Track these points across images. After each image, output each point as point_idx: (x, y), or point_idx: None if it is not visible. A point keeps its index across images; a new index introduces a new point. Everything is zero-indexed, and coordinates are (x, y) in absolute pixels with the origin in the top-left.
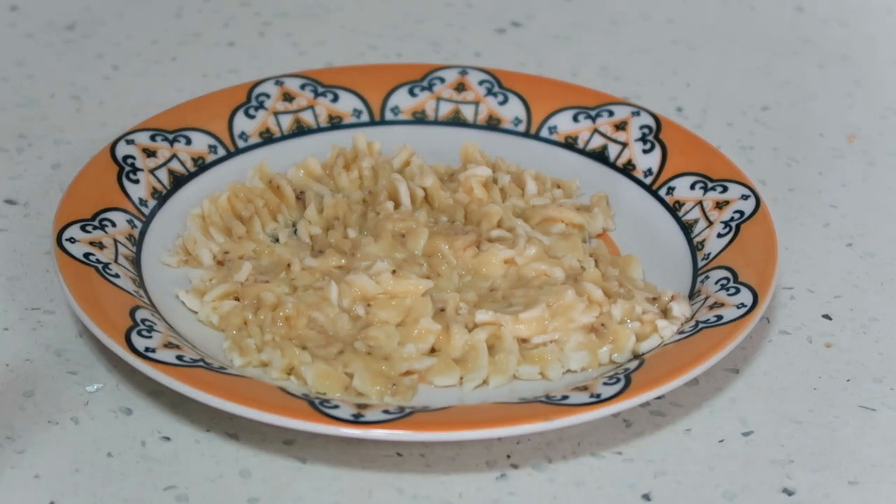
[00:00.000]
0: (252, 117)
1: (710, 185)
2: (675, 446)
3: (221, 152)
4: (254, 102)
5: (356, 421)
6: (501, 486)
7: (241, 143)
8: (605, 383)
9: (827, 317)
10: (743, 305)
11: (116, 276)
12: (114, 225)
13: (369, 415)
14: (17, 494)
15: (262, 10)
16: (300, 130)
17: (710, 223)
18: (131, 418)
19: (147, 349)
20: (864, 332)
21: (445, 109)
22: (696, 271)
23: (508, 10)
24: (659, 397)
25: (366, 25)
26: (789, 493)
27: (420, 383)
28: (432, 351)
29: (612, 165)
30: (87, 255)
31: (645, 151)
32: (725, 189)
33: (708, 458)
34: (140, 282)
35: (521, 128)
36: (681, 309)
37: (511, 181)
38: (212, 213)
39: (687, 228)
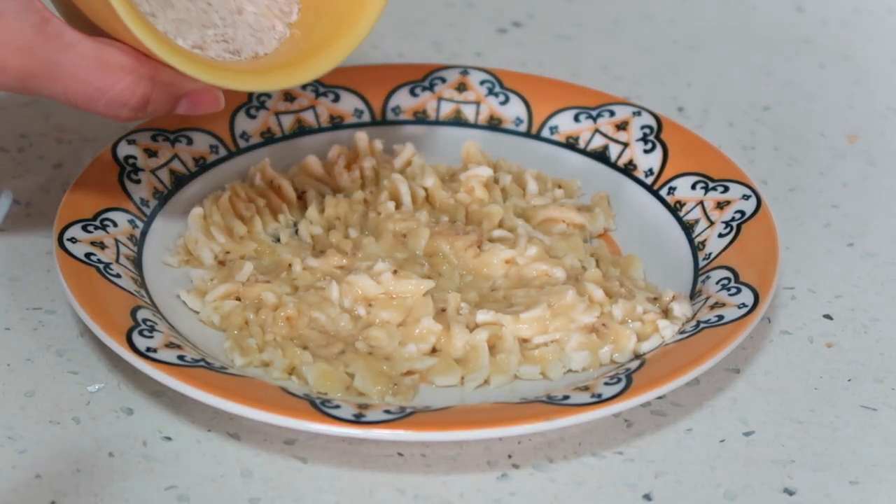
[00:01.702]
0: (253, 117)
1: (711, 185)
2: (676, 446)
3: (223, 152)
4: (255, 102)
5: (357, 421)
6: (502, 485)
7: (242, 143)
8: (605, 383)
9: (828, 317)
10: (744, 305)
11: (117, 275)
12: (115, 225)
13: (370, 415)
14: (18, 494)
15: None
16: (301, 130)
17: (711, 223)
18: (132, 418)
19: (148, 349)
20: (865, 332)
21: (446, 109)
22: (696, 271)
23: (509, 10)
24: (660, 397)
25: None
26: (790, 492)
27: (421, 383)
28: (433, 351)
29: (614, 165)
30: (88, 254)
31: (646, 151)
32: (726, 189)
33: (709, 457)
34: (141, 282)
35: (523, 128)
36: (682, 309)
37: (512, 181)
38: (213, 213)
39: (688, 228)
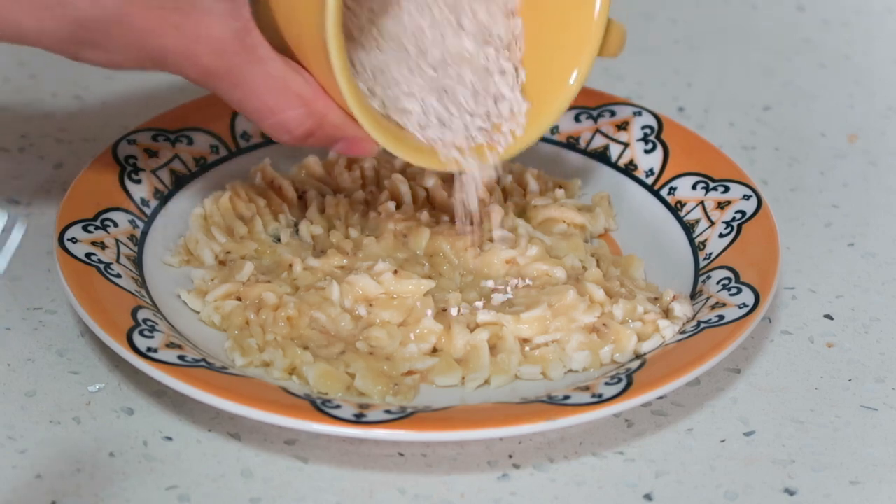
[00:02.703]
0: None
1: (711, 185)
2: (677, 446)
3: (223, 152)
4: None
5: (358, 421)
6: (503, 485)
7: (242, 143)
8: (606, 383)
9: (828, 317)
10: (744, 305)
11: (118, 275)
12: (115, 225)
13: (371, 415)
14: (18, 494)
15: None
16: None
17: (712, 223)
18: (133, 418)
19: (149, 349)
20: (866, 332)
21: None
22: (697, 271)
23: None
24: (660, 397)
25: None
26: (791, 492)
27: (422, 383)
28: (434, 351)
29: (614, 165)
30: (88, 255)
31: (647, 151)
32: (727, 189)
33: (709, 457)
34: (142, 282)
35: None
36: (682, 309)
37: (513, 181)
38: (213, 213)
39: (689, 228)
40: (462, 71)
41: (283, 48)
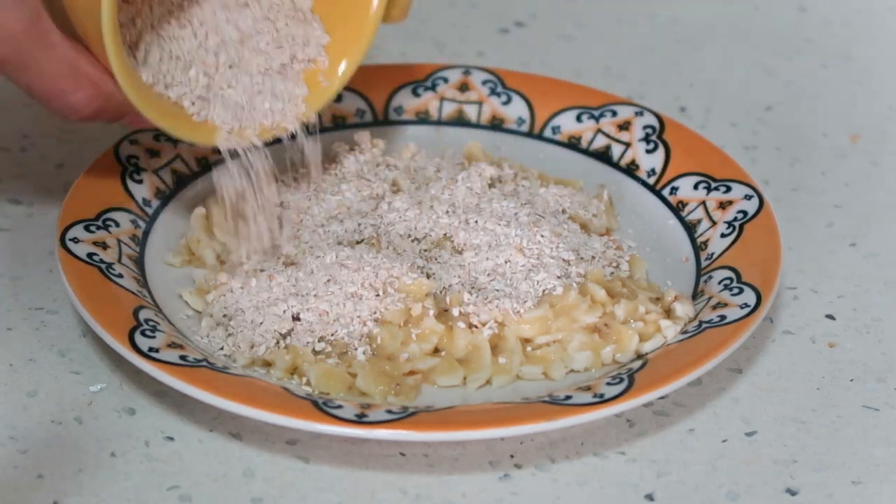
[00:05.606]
0: None
1: (713, 185)
2: (679, 446)
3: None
4: None
5: (359, 421)
6: (504, 485)
7: None
8: (608, 383)
9: (830, 317)
10: (746, 305)
11: (120, 276)
12: (117, 225)
13: (373, 415)
14: (20, 494)
15: None
16: (303, 130)
17: (714, 223)
18: (134, 418)
19: (150, 349)
20: (868, 332)
21: (449, 109)
22: (699, 271)
23: (512, 10)
24: (662, 397)
25: None
26: (792, 493)
27: (423, 383)
28: (436, 351)
29: (616, 165)
30: (90, 255)
31: (648, 151)
32: (729, 189)
33: (711, 458)
34: (143, 282)
35: (525, 128)
36: (684, 309)
37: None
38: (215, 212)
39: (690, 228)
40: (243, 52)
41: (71, 31)
